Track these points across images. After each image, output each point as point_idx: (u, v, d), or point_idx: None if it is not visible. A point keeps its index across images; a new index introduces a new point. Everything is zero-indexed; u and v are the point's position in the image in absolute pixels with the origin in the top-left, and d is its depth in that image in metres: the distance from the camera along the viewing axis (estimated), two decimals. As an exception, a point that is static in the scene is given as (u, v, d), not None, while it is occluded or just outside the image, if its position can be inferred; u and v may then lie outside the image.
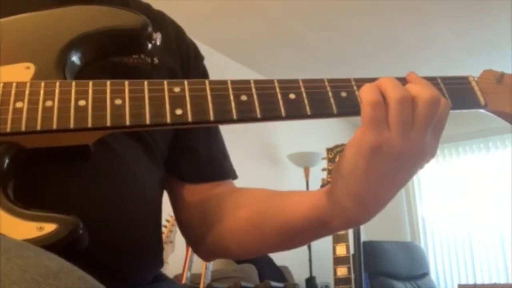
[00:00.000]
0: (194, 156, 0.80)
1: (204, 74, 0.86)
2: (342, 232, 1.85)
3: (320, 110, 0.58)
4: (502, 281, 4.67)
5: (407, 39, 3.78)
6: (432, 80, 0.62)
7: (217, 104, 0.56)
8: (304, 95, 0.58)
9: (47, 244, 0.48)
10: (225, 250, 0.76)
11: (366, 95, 0.55)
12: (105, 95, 0.55)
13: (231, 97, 0.57)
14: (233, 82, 0.58)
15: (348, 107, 0.59)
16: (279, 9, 3.33)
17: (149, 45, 0.64)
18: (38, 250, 0.39)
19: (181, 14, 1.15)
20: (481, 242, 4.92)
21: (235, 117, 0.56)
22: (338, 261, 1.84)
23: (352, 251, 1.92)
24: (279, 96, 0.58)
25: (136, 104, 0.55)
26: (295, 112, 0.57)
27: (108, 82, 0.56)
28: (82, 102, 0.54)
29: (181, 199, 0.79)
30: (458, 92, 0.63)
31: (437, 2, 3.27)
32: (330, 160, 1.90)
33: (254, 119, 0.56)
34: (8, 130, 0.52)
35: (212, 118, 0.55)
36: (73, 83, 0.55)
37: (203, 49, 0.91)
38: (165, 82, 0.57)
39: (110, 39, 0.63)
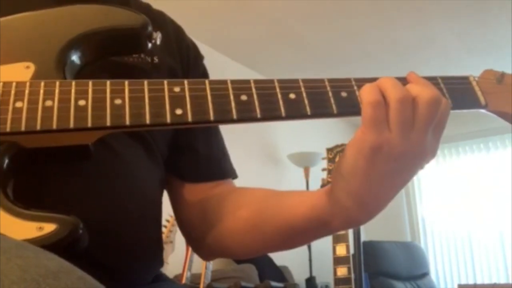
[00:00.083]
0: (194, 155, 0.80)
1: (204, 74, 0.86)
2: (342, 232, 1.85)
3: (320, 110, 0.58)
4: (502, 281, 4.67)
5: (407, 39, 3.78)
6: (432, 80, 0.61)
7: (217, 104, 0.56)
8: (304, 95, 0.58)
9: (47, 244, 0.48)
10: (225, 249, 0.76)
11: (366, 95, 0.55)
12: (105, 95, 0.55)
13: (231, 97, 0.57)
14: (233, 82, 0.58)
15: (348, 107, 0.59)
16: (279, 9, 3.33)
17: (149, 45, 0.64)
18: (38, 250, 0.39)
19: (181, 14, 1.15)
20: (481, 242, 4.92)
21: (235, 117, 0.56)
22: (338, 261, 1.84)
23: (352, 251, 1.92)
24: (279, 96, 0.57)
25: (136, 104, 0.55)
26: (295, 112, 0.57)
27: (108, 82, 0.56)
28: (82, 102, 0.54)
29: (181, 198, 0.79)
30: (459, 92, 0.63)
31: (437, 2, 3.27)
32: (330, 160, 1.89)
33: (254, 119, 0.56)
34: (8, 130, 0.52)
35: (212, 118, 0.55)
36: (73, 83, 0.55)
37: (203, 49, 0.91)
38: (165, 82, 0.57)
39: (110, 39, 0.63)
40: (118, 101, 0.54)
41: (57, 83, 0.55)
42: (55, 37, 0.60)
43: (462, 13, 3.42)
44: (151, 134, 0.73)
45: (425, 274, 4.30)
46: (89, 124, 0.53)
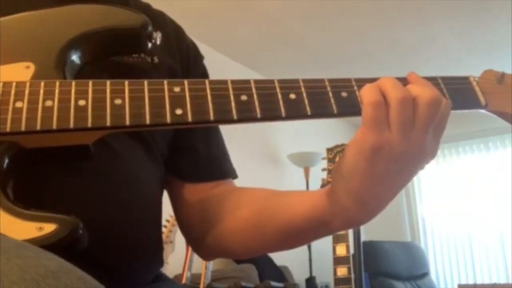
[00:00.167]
0: (194, 155, 0.80)
1: (204, 74, 0.86)
2: (342, 232, 1.85)
3: (320, 110, 0.58)
4: (502, 281, 4.67)
5: (407, 39, 3.78)
6: (432, 80, 0.61)
7: (217, 104, 0.56)
8: (304, 95, 0.58)
9: (47, 244, 0.48)
10: (225, 249, 0.76)
11: (366, 95, 0.55)
12: (105, 95, 0.55)
13: (231, 97, 0.57)
14: (233, 82, 0.58)
15: (349, 107, 0.59)
16: (279, 9, 3.33)
17: (149, 44, 0.64)
18: (37, 250, 0.39)
19: (181, 14, 1.15)
20: (481, 242, 4.92)
21: (235, 117, 0.56)
22: (338, 261, 1.84)
23: (352, 251, 1.92)
24: (279, 96, 0.57)
25: (136, 104, 0.55)
26: (295, 112, 0.57)
27: (108, 82, 0.56)
28: (82, 102, 0.54)
29: (181, 198, 0.79)
30: (459, 92, 0.63)
31: (437, 2, 3.27)
32: (330, 160, 1.89)
33: (254, 119, 0.56)
34: (8, 129, 0.52)
35: (212, 118, 0.55)
36: (73, 83, 0.55)
37: (203, 49, 0.91)
38: (165, 82, 0.57)
39: (110, 38, 0.63)
40: (118, 101, 0.54)
41: (57, 83, 0.55)
42: (55, 37, 0.60)
43: (462, 13, 3.42)
44: (151, 134, 0.73)
45: (425, 274, 4.30)
46: (89, 124, 0.53)
